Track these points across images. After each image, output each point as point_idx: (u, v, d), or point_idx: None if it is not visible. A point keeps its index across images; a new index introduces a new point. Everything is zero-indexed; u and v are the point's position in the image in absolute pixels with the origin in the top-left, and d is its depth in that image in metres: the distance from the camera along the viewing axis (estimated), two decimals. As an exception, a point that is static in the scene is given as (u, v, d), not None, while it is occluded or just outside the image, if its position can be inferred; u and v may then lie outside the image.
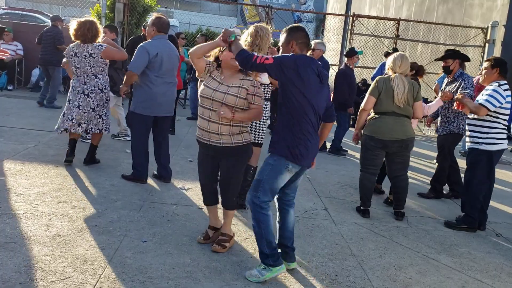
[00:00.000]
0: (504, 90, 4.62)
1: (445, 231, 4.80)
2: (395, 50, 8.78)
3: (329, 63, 11.95)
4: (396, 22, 12.54)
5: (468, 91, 5.34)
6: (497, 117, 4.68)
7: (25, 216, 3.99)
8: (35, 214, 4.06)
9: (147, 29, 5.29)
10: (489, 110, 4.59)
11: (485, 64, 4.83)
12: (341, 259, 3.88)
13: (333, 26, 18.42)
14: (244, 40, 4.36)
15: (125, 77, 5.16)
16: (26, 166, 5.33)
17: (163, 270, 3.36)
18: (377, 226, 4.73)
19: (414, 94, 4.81)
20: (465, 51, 12.16)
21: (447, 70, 5.70)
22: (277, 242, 3.54)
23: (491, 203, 5.94)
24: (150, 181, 5.33)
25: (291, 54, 3.32)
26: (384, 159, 5.00)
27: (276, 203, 3.64)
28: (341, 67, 8.09)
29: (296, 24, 3.58)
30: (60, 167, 5.42)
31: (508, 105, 4.66)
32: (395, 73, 4.80)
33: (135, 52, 5.01)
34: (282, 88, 3.30)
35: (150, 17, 5.37)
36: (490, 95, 4.60)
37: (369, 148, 4.91)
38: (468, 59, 5.86)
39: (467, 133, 4.89)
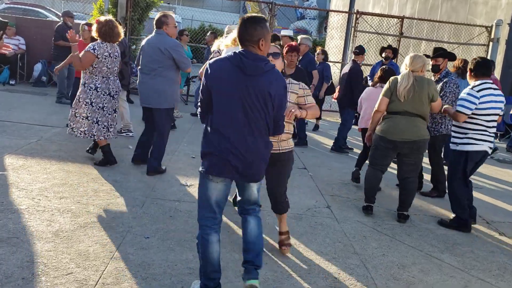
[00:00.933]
0: (478, 91, 4.65)
1: (448, 230, 4.78)
2: (389, 47, 8.72)
3: (332, 60, 11.90)
4: (400, 19, 12.48)
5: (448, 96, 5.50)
6: (475, 118, 4.68)
7: (27, 211, 3.98)
8: (37, 209, 4.05)
9: None
10: (466, 114, 4.64)
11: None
12: (344, 257, 3.87)
13: (336, 23, 18.38)
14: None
15: None
16: (28, 161, 5.32)
17: (166, 266, 3.35)
18: (380, 225, 4.71)
19: (429, 94, 4.69)
20: (469, 50, 12.14)
21: (436, 69, 5.76)
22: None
23: (495, 202, 5.96)
24: (152, 177, 5.32)
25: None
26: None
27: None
28: (350, 64, 7.87)
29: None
30: (63, 163, 5.42)
31: (487, 105, 4.64)
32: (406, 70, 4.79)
33: None
34: None
35: (155, 14, 5.52)
36: (463, 99, 4.67)
37: (379, 148, 4.88)
38: (455, 59, 5.98)
39: (452, 133, 4.97)
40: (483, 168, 7.87)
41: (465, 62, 6.33)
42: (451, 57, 5.84)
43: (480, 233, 4.83)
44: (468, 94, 4.66)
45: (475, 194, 6.02)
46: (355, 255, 3.94)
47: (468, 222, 4.84)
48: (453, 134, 4.90)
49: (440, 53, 5.72)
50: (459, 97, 4.78)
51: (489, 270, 3.97)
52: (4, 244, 3.37)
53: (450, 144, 4.93)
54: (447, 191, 5.96)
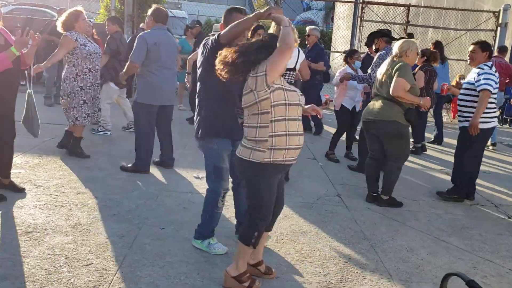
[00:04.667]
0: (495, 71, 4.90)
1: (455, 214, 4.85)
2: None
3: (339, 50, 11.87)
4: (406, 8, 12.47)
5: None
6: (489, 97, 4.87)
7: (46, 207, 4.13)
8: (55, 204, 4.19)
9: (146, 20, 5.51)
10: (491, 92, 4.80)
11: (473, 47, 5.02)
12: (354, 242, 3.97)
13: (342, 13, 18.34)
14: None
15: (126, 67, 5.23)
16: (43, 159, 5.47)
17: (182, 255, 3.47)
18: (389, 211, 4.79)
19: (391, 73, 4.66)
20: (476, 36, 12.07)
21: (376, 51, 6.18)
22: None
23: (503, 186, 6.00)
24: (165, 171, 5.45)
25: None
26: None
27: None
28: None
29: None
30: (77, 159, 5.55)
31: (496, 85, 4.89)
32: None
33: (135, 43, 5.15)
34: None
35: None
36: (489, 79, 4.80)
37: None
38: (392, 37, 6.13)
39: (459, 112, 5.09)
40: (492, 153, 7.90)
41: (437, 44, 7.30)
42: (385, 35, 6.14)
43: (488, 216, 4.90)
44: (491, 73, 4.83)
45: (483, 179, 6.08)
46: (365, 240, 4.03)
47: (465, 191, 5.17)
48: (465, 113, 4.99)
49: (369, 36, 6.39)
50: (484, 77, 4.81)
51: (497, 251, 4.04)
52: (26, 238, 3.51)
53: (463, 122, 5.02)
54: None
